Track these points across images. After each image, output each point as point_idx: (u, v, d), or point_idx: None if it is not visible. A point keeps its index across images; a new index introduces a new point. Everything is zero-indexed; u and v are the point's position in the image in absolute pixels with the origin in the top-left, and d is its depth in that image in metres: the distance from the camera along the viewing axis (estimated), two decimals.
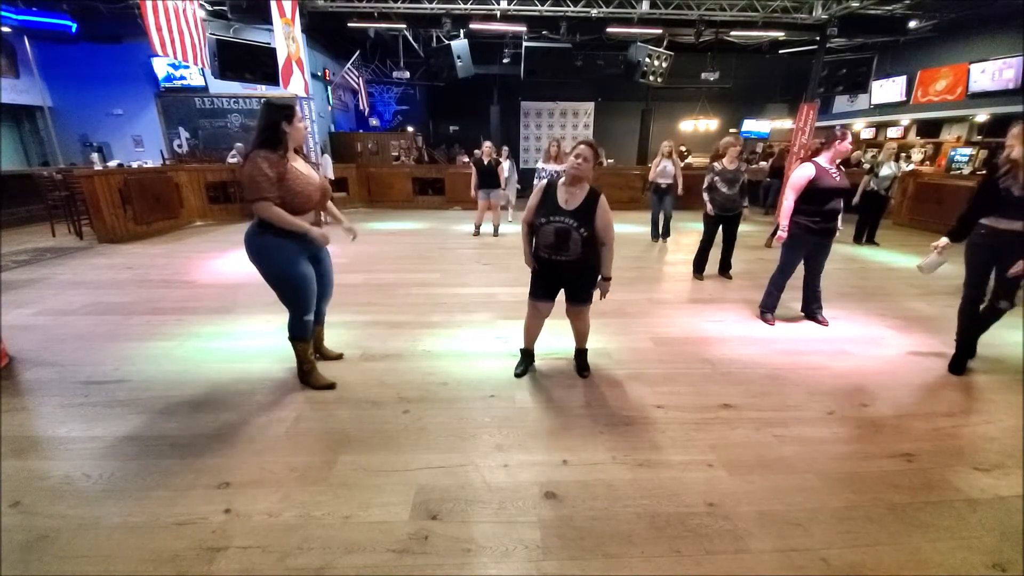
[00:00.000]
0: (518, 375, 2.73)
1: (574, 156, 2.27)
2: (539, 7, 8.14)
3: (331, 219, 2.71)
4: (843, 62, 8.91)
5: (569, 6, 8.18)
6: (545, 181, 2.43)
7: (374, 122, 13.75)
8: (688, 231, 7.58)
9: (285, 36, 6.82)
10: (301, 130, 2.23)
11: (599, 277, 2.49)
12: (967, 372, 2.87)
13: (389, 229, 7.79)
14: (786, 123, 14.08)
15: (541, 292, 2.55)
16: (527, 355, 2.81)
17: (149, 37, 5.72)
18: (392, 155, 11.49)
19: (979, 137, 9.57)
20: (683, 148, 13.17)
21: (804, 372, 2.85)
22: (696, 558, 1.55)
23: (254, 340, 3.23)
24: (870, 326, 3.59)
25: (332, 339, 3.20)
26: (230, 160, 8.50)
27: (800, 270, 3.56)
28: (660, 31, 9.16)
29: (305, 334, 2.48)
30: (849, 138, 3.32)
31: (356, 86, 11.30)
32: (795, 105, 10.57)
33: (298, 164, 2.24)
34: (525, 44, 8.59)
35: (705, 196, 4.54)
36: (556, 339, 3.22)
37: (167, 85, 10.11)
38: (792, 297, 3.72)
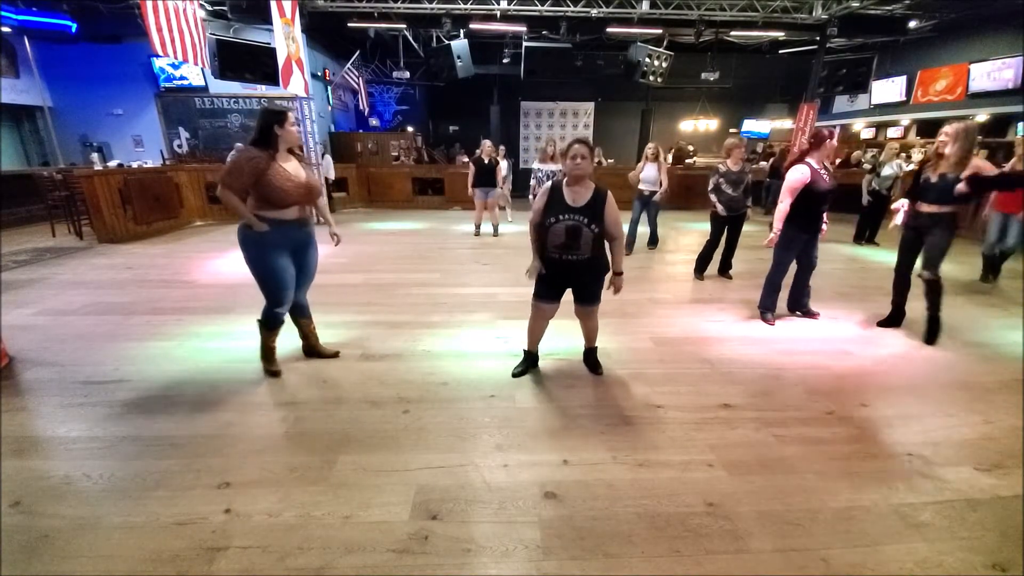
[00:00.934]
0: (516, 375, 2.73)
1: (571, 157, 2.26)
2: (539, 7, 8.14)
3: (322, 219, 2.80)
4: (843, 62, 8.92)
5: (569, 6, 8.18)
6: (550, 183, 2.40)
7: (374, 122, 13.75)
8: (689, 231, 7.59)
9: (285, 36, 6.81)
10: (293, 133, 2.41)
11: (610, 273, 2.49)
12: (936, 343, 3.29)
13: (389, 229, 7.79)
14: (786, 123, 14.07)
15: (547, 293, 2.54)
16: (530, 357, 2.79)
17: (149, 37, 5.72)
18: (392, 155, 11.50)
19: (979, 137, 9.57)
20: (690, 147, 13.15)
21: (804, 372, 2.85)
22: (696, 558, 1.55)
23: (254, 340, 3.20)
24: (870, 326, 3.59)
25: (332, 339, 3.20)
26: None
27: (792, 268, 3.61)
28: (660, 31, 9.16)
29: (272, 324, 2.65)
30: (835, 137, 3.36)
31: (356, 86, 11.30)
32: (795, 105, 10.58)
33: (288, 164, 2.42)
34: (525, 44, 8.59)
35: (713, 197, 4.54)
36: (557, 339, 3.22)
37: (167, 85, 10.11)
38: (782, 296, 3.74)
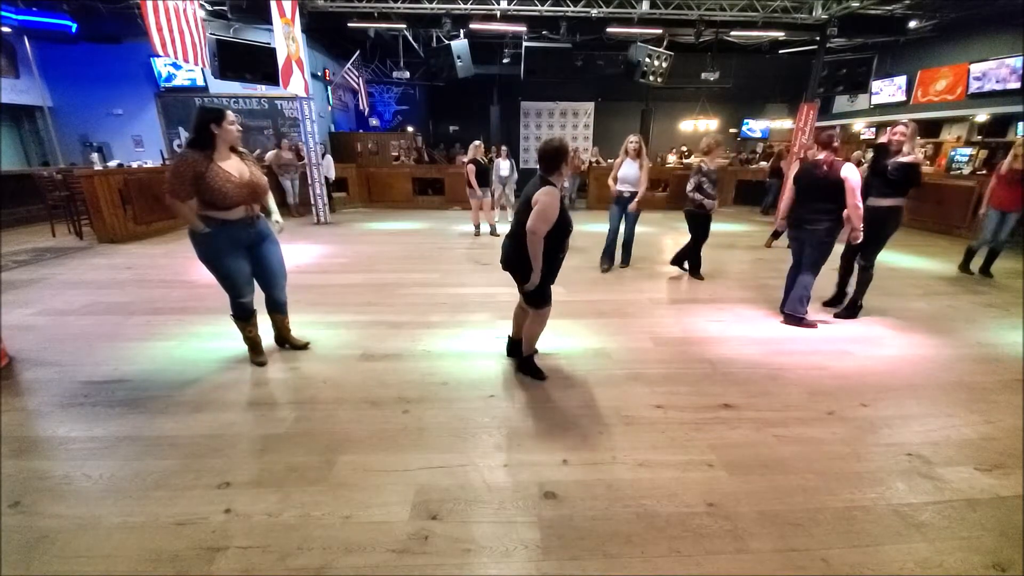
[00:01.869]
0: (541, 379, 2.70)
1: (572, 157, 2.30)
2: (539, 7, 8.14)
3: (263, 213, 2.72)
4: (843, 62, 8.90)
5: (569, 6, 8.18)
6: (556, 190, 2.30)
7: (374, 122, 13.75)
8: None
9: (285, 36, 6.81)
10: (232, 131, 2.41)
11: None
12: (858, 315, 3.71)
13: (389, 229, 7.79)
14: (786, 123, 14.07)
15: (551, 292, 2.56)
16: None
17: (149, 37, 5.72)
18: (392, 155, 11.49)
19: (979, 137, 9.56)
20: (684, 148, 13.16)
21: (804, 372, 2.85)
22: (696, 558, 1.55)
23: None
24: (870, 326, 3.59)
25: (333, 339, 3.21)
26: None
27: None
28: (660, 31, 9.15)
29: (241, 315, 2.72)
30: (837, 137, 3.47)
31: (356, 86, 11.29)
32: (795, 105, 10.55)
33: (227, 163, 2.42)
34: (525, 44, 8.58)
35: (698, 196, 4.51)
36: (557, 339, 3.22)
37: (167, 85, 10.11)
38: (777, 298, 3.73)
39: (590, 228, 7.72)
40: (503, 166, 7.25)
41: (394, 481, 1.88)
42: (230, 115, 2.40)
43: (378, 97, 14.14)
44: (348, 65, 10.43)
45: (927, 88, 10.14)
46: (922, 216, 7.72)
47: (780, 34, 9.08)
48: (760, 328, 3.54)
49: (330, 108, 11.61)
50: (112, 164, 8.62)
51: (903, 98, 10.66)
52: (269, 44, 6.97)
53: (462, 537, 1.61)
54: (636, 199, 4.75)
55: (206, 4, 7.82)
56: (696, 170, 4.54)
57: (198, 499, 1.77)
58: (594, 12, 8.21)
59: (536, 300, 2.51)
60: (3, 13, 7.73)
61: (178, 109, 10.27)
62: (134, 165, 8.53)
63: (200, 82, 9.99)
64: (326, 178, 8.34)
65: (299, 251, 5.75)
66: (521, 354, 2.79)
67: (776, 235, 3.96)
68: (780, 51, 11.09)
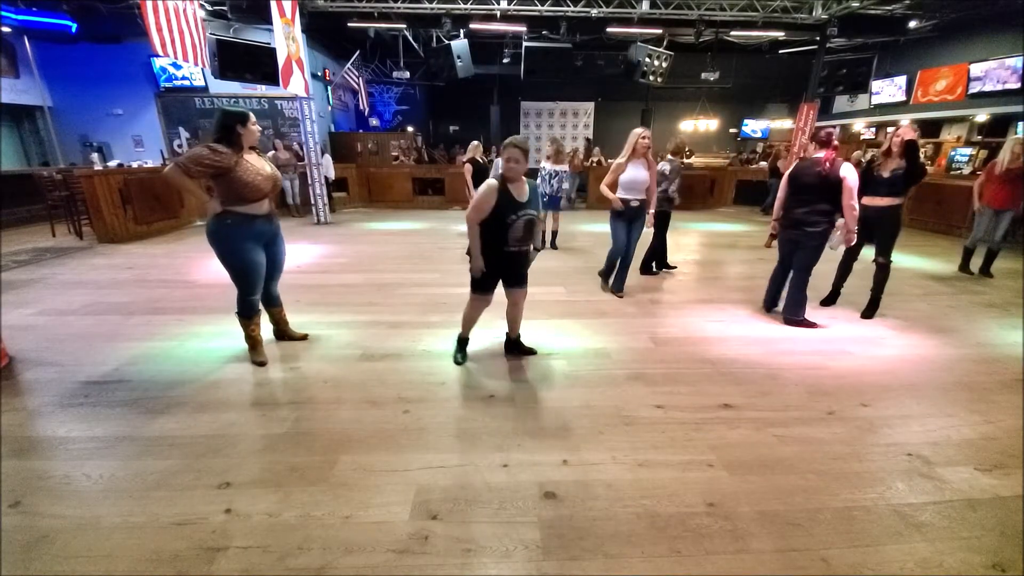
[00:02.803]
0: (459, 363, 2.86)
1: (506, 159, 2.44)
2: (539, 7, 8.14)
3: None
4: (843, 62, 8.92)
5: (569, 6, 8.18)
6: (496, 183, 2.49)
7: (374, 122, 13.76)
8: (688, 231, 7.58)
9: (285, 36, 6.81)
10: (255, 132, 2.56)
11: (532, 248, 2.69)
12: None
13: (389, 229, 7.79)
14: (786, 123, 14.08)
15: (491, 286, 2.71)
16: (465, 343, 2.93)
17: (149, 37, 5.72)
18: (392, 155, 11.50)
19: (979, 137, 9.57)
20: (687, 148, 13.12)
21: (804, 372, 2.85)
22: (696, 558, 1.55)
23: None
24: (870, 326, 3.59)
25: (333, 338, 3.21)
26: None
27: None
28: (660, 31, 9.16)
29: (248, 312, 2.78)
30: (835, 137, 3.52)
31: (356, 86, 11.30)
32: (795, 105, 10.57)
33: (251, 158, 2.57)
34: (525, 44, 8.59)
35: (676, 195, 4.68)
36: (557, 339, 3.22)
37: (167, 85, 10.11)
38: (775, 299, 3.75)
39: (590, 228, 7.73)
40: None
41: (394, 481, 1.88)
42: (253, 117, 2.56)
43: (378, 97, 14.15)
44: (348, 65, 10.44)
45: (927, 88, 10.15)
46: (922, 216, 7.73)
47: (780, 34, 9.09)
48: (760, 328, 3.54)
49: (330, 108, 11.61)
50: (112, 164, 8.64)
51: (903, 98, 10.68)
52: (269, 44, 6.98)
53: (462, 537, 1.61)
54: (651, 210, 4.00)
55: (206, 4, 7.82)
56: (677, 170, 4.66)
57: (198, 499, 1.77)
58: (594, 12, 8.21)
59: (472, 284, 2.70)
60: (3, 13, 7.73)
61: (178, 109, 10.27)
62: (134, 165, 8.55)
63: (199, 82, 9.99)
64: (326, 178, 8.34)
65: (299, 251, 5.74)
66: (518, 350, 2.97)
67: (776, 236, 3.97)
68: (780, 51, 11.09)
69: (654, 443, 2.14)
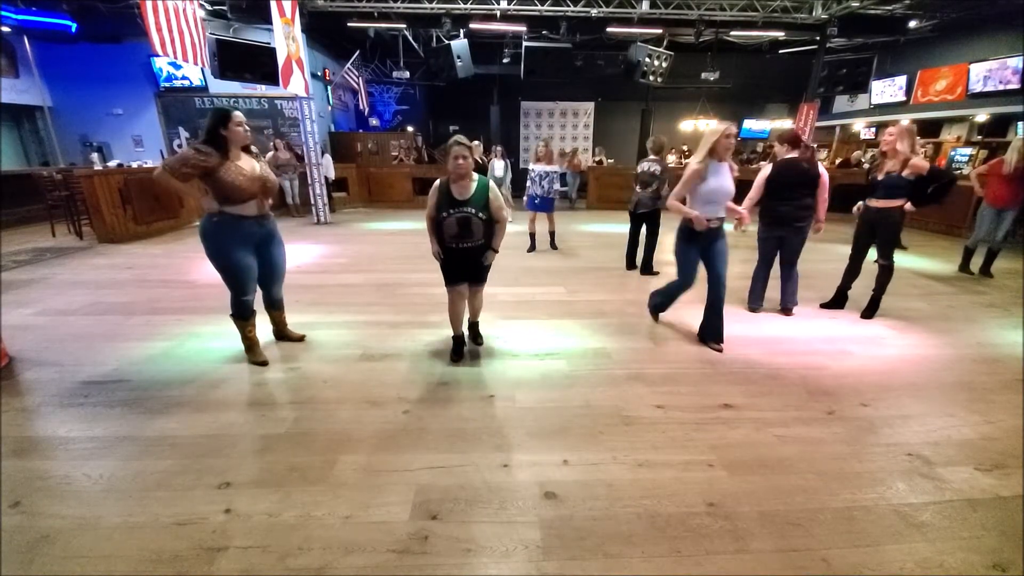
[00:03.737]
0: (455, 361, 2.89)
1: (453, 157, 2.46)
2: (539, 7, 8.14)
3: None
4: (843, 62, 8.91)
5: (569, 6, 8.18)
6: (437, 182, 2.58)
7: (374, 122, 13.74)
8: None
9: (285, 36, 6.81)
10: (239, 132, 2.50)
11: (490, 249, 2.77)
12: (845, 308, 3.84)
13: (389, 229, 7.78)
14: (786, 123, 14.06)
15: (455, 278, 2.82)
16: (461, 341, 2.98)
17: (149, 37, 5.72)
18: (392, 155, 11.49)
19: (979, 137, 9.57)
20: (684, 148, 13.12)
21: (804, 372, 2.85)
22: (696, 558, 1.55)
23: None
24: (870, 326, 3.59)
25: (333, 339, 3.21)
26: None
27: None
28: (660, 31, 9.15)
29: (242, 313, 2.76)
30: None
31: (356, 86, 11.29)
32: (795, 105, 10.57)
33: (240, 161, 2.55)
34: (525, 44, 8.58)
35: (666, 192, 4.67)
36: (557, 339, 3.22)
37: (167, 85, 10.10)
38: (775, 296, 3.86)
39: (590, 228, 7.73)
40: (498, 166, 7.24)
41: (394, 481, 1.88)
42: (237, 116, 2.47)
43: (378, 97, 14.13)
44: (348, 65, 10.43)
45: (927, 88, 10.14)
46: (922, 216, 7.72)
47: (780, 34, 9.09)
48: (760, 328, 3.54)
49: (330, 108, 11.60)
50: (112, 164, 8.63)
51: (903, 98, 10.67)
52: (269, 44, 6.98)
53: (462, 537, 1.61)
54: (743, 218, 3.17)
55: (206, 4, 7.82)
56: (662, 170, 4.70)
57: (198, 499, 1.77)
58: (594, 12, 8.21)
59: (444, 278, 2.87)
60: (3, 13, 7.73)
61: (178, 109, 10.25)
62: (134, 165, 8.54)
63: (198, 82, 9.98)
64: (326, 178, 8.34)
65: (299, 251, 5.74)
66: (471, 333, 3.18)
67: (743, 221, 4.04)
68: (780, 51, 11.09)
69: (654, 443, 2.14)
